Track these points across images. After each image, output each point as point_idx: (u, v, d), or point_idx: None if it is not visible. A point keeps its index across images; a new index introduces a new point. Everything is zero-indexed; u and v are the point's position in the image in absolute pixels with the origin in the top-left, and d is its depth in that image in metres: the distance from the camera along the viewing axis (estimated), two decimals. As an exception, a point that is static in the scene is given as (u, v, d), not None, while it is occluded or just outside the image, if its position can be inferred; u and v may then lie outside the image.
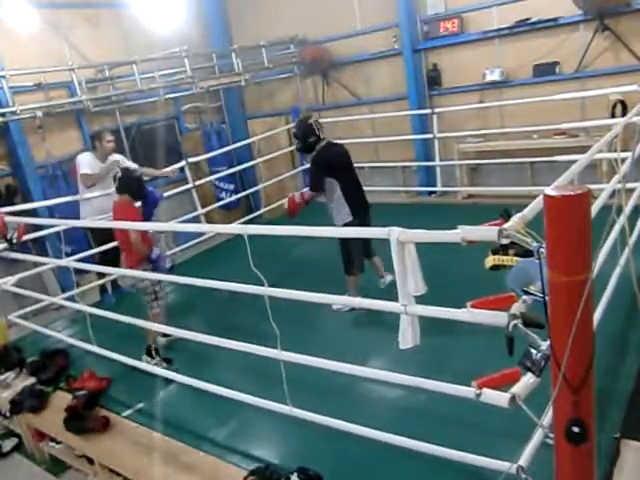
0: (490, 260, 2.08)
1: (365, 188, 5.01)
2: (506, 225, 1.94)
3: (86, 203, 5.75)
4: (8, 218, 4.76)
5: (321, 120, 8.75)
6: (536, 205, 2.01)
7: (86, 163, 5.66)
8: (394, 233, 2.36)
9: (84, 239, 6.05)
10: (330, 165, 4.64)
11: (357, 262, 4.69)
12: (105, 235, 5.70)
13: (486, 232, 2.01)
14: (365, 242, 4.69)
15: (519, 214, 2.01)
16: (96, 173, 5.60)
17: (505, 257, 2.02)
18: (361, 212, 4.66)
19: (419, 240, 2.40)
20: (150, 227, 4.28)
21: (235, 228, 4.09)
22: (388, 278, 4.72)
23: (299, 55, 8.72)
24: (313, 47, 8.57)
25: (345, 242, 4.54)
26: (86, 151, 6.10)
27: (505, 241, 1.94)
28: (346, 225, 4.54)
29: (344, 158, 4.81)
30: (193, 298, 5.43)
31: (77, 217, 5.74)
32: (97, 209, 5.71)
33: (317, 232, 2.85)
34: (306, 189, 4.92)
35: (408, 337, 2.52)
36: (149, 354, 4.23)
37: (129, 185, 4.28)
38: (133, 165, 5.94)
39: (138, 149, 8.11)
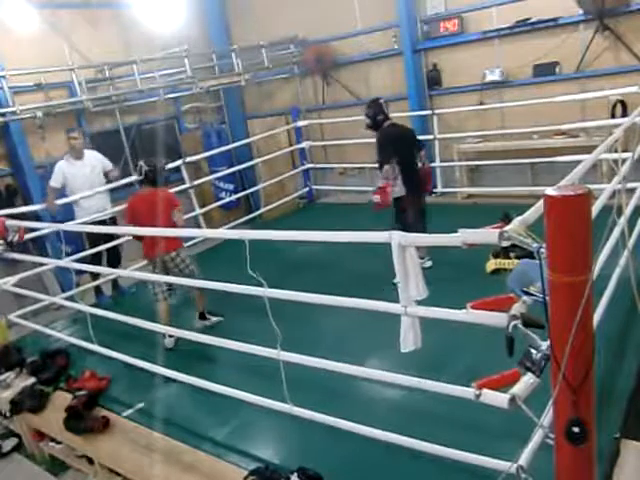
0: (491, 264, 2.09)
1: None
2: (507, 228, 1.94)
3: (78, 205, 5.77)
4: (9, 222, 4.79)
5: (321, 120, 8.87)
6: (537, 208, 2.01)
7: (55, 175, 5.72)
8: (395, 237, 2.35)
9: (82, 239, 6.06)
10: (393, 141, 5.02)
11: (419, 228, 4.73)
12: (98, 235, 5.67)
13: (487, 235, 2.00)
14: (420, 213, 5.10)
15: (520, 217, 2.01)
16: (57, 189, 5.69)
17: (506, 261, 2.03)
18: (415, 189, 5.05)
19: (420, 244, 2.40)
20: (150, 232, 4.26)
21: (234, 234, 4.08)
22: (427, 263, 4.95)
23: (302, 54, 8.73)
24: (316, 46, 8.57)
25: (399, 217, 5.00)
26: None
27: (506, 244, 1.94)
28: (399, 199, 4.97)
29: (405, 138, 5.15)
30: (193, 299, 5.42)
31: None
32: (90, 210, 5.74)
33: (317, 237, 2.84)
34: (383, 177, 5.02)
35: (409, 340, 2.51)
36: (203, 318, 4.75)
37: (159, 175, 4.67)
38: (110, 165, 6.05)
39: (138, 149, 8.11)
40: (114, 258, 6.01)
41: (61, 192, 5.79)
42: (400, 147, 4.99)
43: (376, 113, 5.07)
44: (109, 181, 6.08)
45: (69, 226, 5.13)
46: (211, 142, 8.30)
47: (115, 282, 6.17)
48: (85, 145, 6.03)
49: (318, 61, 8.54)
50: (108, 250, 5.93)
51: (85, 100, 6.86)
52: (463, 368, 3.30)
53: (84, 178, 5.76)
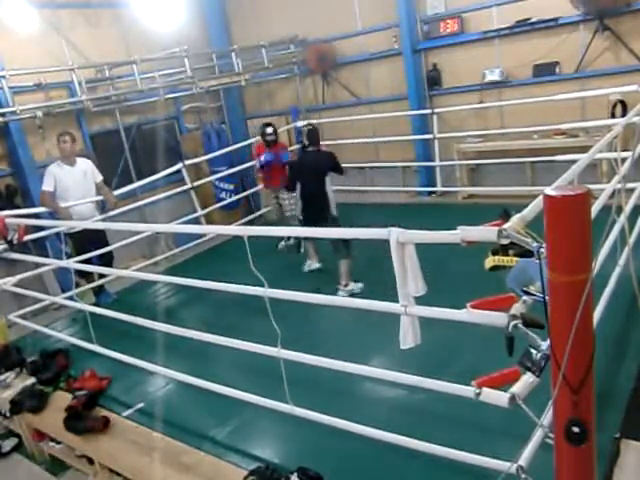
0: (490, 261, 2.08)
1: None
2: (506, 225, 1.94)
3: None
4: (9, 220, 4.79)
5: (321, 120, 8.87)
6: (536, 206, 2.01)
7: (46, 178, 5.57)
8: (394, 234, 2.35)
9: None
10: (294, 169, 5.61)
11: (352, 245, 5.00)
12: (85, 239, 5.56)
13: (486, 232, 2.00)
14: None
15: (519, 214, 2.01)
16: (52, 192, 5.52)
17: (505, 258, 2.02)
18: (310, 213, 5.25)
19: (419, 241, 2.40)
20: (152, 229, 4.27)
21: (234, 229, 4.09)
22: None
23: (303, 53, 8.72)
24: (318, 45, 8.57)
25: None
26: (81, 155, 6.12)
27: (505, 241, 1.94)
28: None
29: (312, 165, 5.30)
30: (193, 299, 5.44)
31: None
32: (79, 217, 5.59)
33: (315, 233, 2.85)
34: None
35: (409, 337, 2.51)
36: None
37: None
38: (100, 177, 5.96)
39: (138, 149, 8.11)
40: (106, 265, 5.78)
41: (53, 198, 5.61)
42: (300, 175, 5.32)
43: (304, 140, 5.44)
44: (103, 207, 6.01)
45: (66, 224, 5.08)
46: (211, 142, 8.30)
47: (101, 287, 6.05)
48: (77, 151, 5.93)
49: (320, 60, 8.53)
50: (99, 257, 5.74)
51: (85, 100, 6.86)
52: (463, 367, 3.30)
53: (76, 184, 5.66)
